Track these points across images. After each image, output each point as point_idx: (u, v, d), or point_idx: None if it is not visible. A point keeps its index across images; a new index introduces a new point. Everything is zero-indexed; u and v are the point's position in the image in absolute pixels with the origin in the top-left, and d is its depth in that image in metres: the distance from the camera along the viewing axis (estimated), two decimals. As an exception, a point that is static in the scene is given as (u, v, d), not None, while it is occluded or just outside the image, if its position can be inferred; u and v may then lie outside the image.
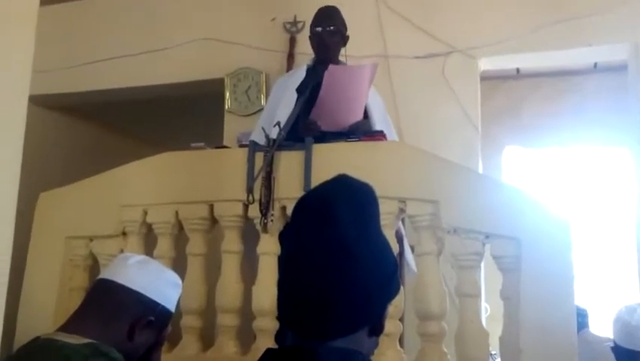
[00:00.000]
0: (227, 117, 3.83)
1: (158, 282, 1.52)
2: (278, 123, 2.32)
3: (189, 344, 2.34)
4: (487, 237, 2.15)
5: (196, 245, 2.41)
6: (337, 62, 2.77)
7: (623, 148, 4.07)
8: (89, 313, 1.46)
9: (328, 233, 0.98)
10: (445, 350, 2.17)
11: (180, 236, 2.48)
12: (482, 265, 2.24)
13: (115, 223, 2.48)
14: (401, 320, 2.24)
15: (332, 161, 2.25)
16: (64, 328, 1.43)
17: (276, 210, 2.27)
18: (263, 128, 2.35)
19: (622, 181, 4.48)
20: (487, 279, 2.65)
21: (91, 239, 2.53)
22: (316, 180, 1.89)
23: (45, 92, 3.98)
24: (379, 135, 2.43)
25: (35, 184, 2.39)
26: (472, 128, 3.45)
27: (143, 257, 1.63)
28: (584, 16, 3.31)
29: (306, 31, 2.92)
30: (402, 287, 2.02)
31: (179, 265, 2.33)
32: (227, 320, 2.31)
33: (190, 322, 2.35)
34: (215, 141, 2.96)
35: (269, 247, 2.28)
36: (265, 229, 2.28)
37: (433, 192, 2.21)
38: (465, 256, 2.16)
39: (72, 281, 2.52)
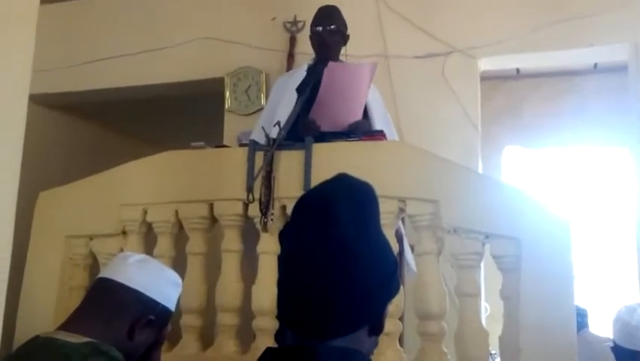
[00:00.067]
0: (227, 117, 3.83)
1: (158, 281, 1.52)
2: (278, 123, 2.32)
3: (189, 343, 2.34)
4: (487, 237, 2.16)
5: (196, 244, 2.42)
6: (337, 61, 2.77)
7: (623, 148, 4.07)
8: (88, 312, 1.46)
9: (328, 232, 0.98)
10: (445, 349, 2.17)
11: (180, 235, 2.48)
12: (482, 264, 2.24)
13: (115, 222, 2.48)
14: (401, 319, 2.24)
15: (332, 160, 2.25)
16: (64, 327, 1.43)
17: (275, 210, 2.27)
18: (263, 128, 2.35)
19: (622, 181, 4.48)
20: (487, 279, 2.65)
21: (91, 238, 2.53)
22: (316, 180, 1.88)
23: (45, 91, 3.98)
24: (379, 135, 2.43)
25: (35, 183, 2.39)
26: (472, 128, 3.45)
27: (143, 256, 1.63)
28: (584, 17, 3.31)
29: (307, 31, 2.92)
30: (402, 287, 2.03)
31: (179, 264, 2.33)
32: (227, 319, 2.31)
33: (190, 321, 2.36)
34: (215, 140, 2.96)
35: (269, 246, 2.28)
36: (265, 228, 2.28)
37: (433, 191, 2.21)
38: (465, 255, 2.16)
39: (72, 280, 2.52)
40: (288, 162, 2.30)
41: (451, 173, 2.29)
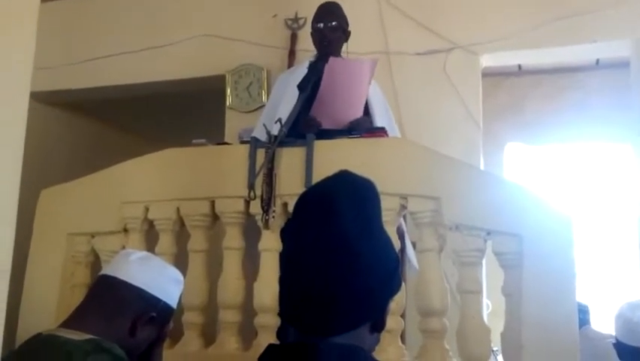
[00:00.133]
0: (228, 114, 3.83)
1: (159, 278, 1.52)
2: (279, 120, 2.32)
3: (191, 340, 2.34)
4: (488, 233, 2.15)
5: (197, 241, 2.42)
6: (339, 57, 2.77)
7: (626, 145, 4.06)
8: (90, 309, 1.47)
9: (330, 229, 0.98)
10: (447, 346, 2.17)
11: (182, 233, 2.48)
12: (484, 261, 2.24)
13: (116, 220, 2.48)
14: (403, 316, 2.24)
15: (333, 157, 2.25)
16: (66, 324, 1.43)
17: (277, 207, 2.27)
18: (264, 125, 2.35)
19: (624, 178, 4.47)
20: (489, 275, 2.65)
21: (92, 236, 2.53)
22: (317, 177, 1.89)
23: (46, 89, 3.98)
24: (381, 132, 2.43)
25: (37, 181, 2.39)
26: (474, 125, 3.45)
27: (144, 253, 1.63)
28: (586, 13, 3.30)
29: (308, 28, 2.91)
30: (403, 283, 2.02)
31: (180, 262, 2.33)
32: (228, 317, 2.32)
33: (192, 318, 2.36)
34: (217, 137, 2.96)
35: (270, 244, 2.28)
36: (267, 226, 2.28)
37: (434, 188, 2.21)
38: (466, 252, 2.16)
39: (74, 277, 2.52)
40: (290, 159, 2.30)
41: (452, 170, 2.28)
